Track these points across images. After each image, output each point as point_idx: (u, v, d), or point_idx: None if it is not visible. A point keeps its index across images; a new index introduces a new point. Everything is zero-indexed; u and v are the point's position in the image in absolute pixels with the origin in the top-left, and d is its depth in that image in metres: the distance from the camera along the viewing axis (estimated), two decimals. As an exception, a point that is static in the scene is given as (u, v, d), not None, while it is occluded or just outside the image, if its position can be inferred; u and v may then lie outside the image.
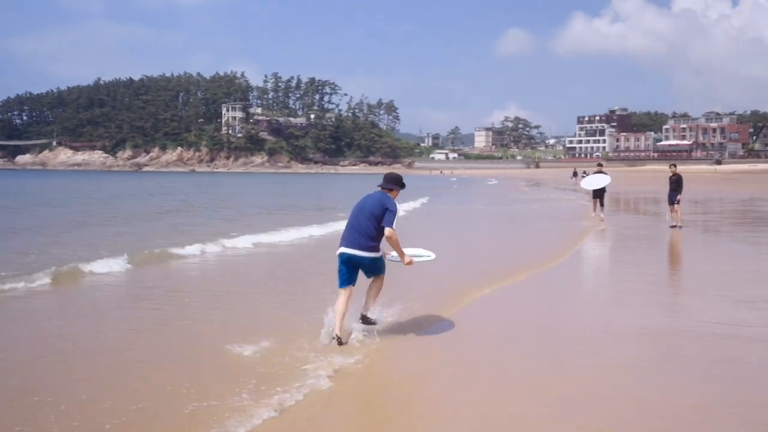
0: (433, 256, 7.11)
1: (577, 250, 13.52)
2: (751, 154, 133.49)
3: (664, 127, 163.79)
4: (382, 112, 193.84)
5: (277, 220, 20.59)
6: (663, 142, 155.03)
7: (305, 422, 4.39)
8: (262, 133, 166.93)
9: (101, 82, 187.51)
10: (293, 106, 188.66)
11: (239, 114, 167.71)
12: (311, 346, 5.91)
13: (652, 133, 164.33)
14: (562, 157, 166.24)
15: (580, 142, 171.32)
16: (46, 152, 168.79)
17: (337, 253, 6.27)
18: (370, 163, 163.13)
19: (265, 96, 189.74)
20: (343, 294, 6.14)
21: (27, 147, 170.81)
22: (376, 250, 6.22)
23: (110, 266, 10.13)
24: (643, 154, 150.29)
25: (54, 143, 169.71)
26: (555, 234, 16.87)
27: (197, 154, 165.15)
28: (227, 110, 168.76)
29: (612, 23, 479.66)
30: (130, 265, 10.43)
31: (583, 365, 5.57)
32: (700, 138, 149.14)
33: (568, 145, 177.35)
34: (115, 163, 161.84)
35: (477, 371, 5.46)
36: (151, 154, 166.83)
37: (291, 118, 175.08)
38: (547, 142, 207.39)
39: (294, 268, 11.49)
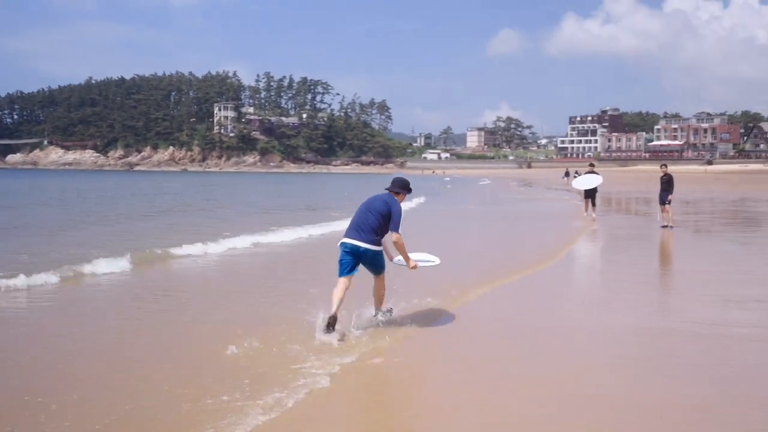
0: (437, 261, 7.27)
1: (571, 250, 13.64)
2: (742, 155, 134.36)
3: (656, 127, 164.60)
4: (374, 111, 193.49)
5: (275, 219, 20.57)
6: (654, 143, 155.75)
7: (305, 422, 4.40)
8: (254, 132, 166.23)
9: (93, 81, 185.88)
10: (285, 106, 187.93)
11: (231, 113, 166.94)
12: (311, 345, 5.95)
13: (644, 133, 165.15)
14: (554, 157, 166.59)
15: (572, 142, 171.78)
16: (36, 151, 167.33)
17: (340, 243, 6.55)
18: (363, 163, 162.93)
19: (257, 95, 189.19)
20: (341, 282, 6.41)
21: (18, 146, 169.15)
22: (379, 244, 6.53)
23: (110, 266, 10.12)
24: (634, 154, 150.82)
25: (45, 142, 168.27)
26: (548, 234, 16.97)
27: (189, 153, 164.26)
28: (219, 110, 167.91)
29: (604, 24, 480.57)
30: (130, 265, 10.42)
31: (583, 365, 5.61)
32: (692, 138, 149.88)
33: (559, 145, 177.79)
34: (106, 163, 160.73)
35: (476, 370, 5.49)
36: (142, 153, 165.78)
37: (283, 118, 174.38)
38: (539, 142, 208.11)
39: (294, 268, 11.53)
